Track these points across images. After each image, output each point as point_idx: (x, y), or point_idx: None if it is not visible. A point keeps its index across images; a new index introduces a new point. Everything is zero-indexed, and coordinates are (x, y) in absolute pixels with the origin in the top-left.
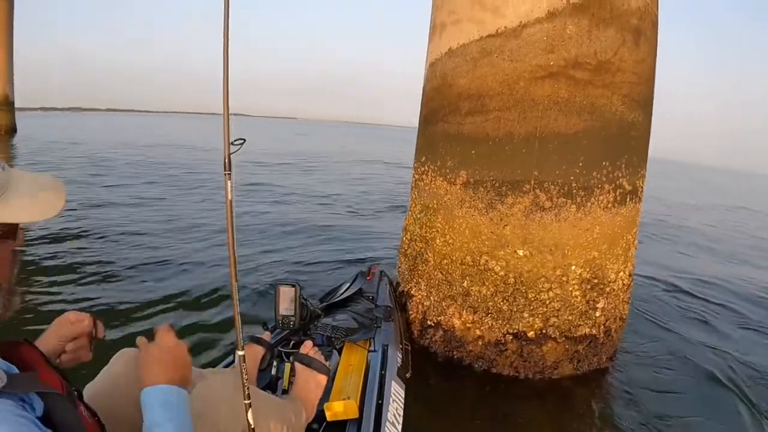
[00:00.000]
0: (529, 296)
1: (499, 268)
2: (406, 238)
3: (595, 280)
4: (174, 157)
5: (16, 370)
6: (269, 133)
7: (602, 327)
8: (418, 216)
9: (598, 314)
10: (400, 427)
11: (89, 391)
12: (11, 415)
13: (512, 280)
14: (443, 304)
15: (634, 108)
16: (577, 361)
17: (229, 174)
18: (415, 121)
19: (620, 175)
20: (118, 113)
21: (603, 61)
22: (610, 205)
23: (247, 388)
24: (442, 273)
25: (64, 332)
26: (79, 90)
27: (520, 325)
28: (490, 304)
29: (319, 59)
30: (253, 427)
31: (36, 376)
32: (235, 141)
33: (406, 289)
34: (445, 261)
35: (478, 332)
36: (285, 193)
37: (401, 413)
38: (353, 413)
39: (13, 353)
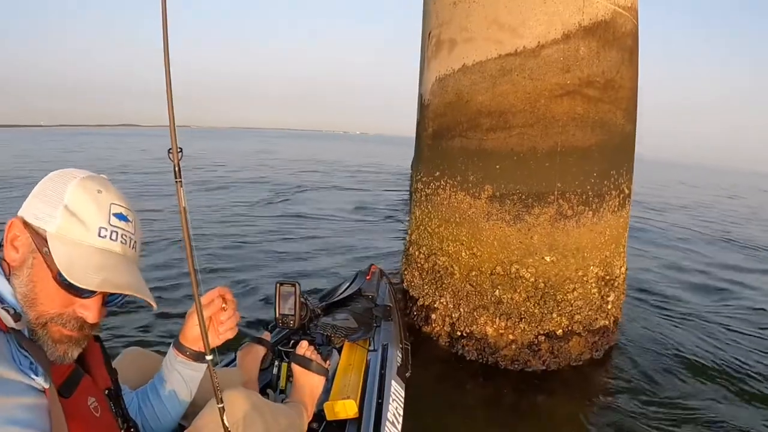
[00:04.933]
0: (558, 298)
1: (529, 274)
2: (420, 252)
3: (608, 277)
4: None
5: None
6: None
7: (612, 317)
8: (436, 230)
9: (609, 306)
10: (399, 427)
11: None
12: None
13: (542, 284)
14: (474, 314)
15: (630, 120)
16: (596, 350)
17: (181, 182)
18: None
19: (622, 181)
20: None
21: (609, 79)
22: (615, 209)
23: (220, 392)
24: (471, 285)
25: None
26: None
27: (550, 325)
28: (523, 309)
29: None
30: (229, 429)
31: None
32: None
33: (426, 303)
34: (473, 273)
35: (511, 337)
36: None
37: (401, 413)
38: (353, 413)
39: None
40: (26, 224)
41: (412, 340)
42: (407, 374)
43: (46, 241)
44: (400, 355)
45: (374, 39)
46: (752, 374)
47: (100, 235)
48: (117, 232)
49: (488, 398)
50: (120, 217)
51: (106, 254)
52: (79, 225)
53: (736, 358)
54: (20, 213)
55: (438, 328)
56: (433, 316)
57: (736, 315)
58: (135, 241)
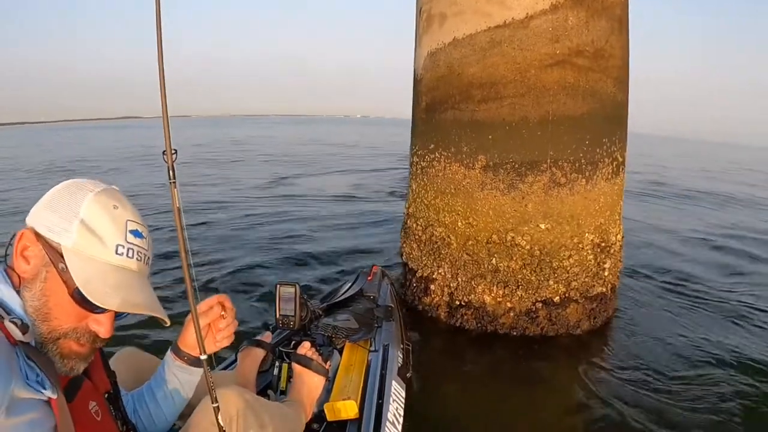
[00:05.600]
0: (554, 265)
1: (525, 242)
2: (418, 224)
3: (603, 244)
4: None
5: None
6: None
7: (609, 284)
8: (432, 202)
9: (606, 273)
10: (400, 427)
11: None
12: None
13: (537, 252)
14: (472, 283)
15: (621, 89)
16: (594, 317)
17: (175, 182)
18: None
19: (615, 149)
20: None
21: (599, 48)
22: (609, 176)
23: (215, 391)
24: (468, 254)
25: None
26: None
27: (547, 292)
28: (520, 276)
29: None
30: (224, 428)
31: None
32: (164, 152)
33: (425, 274)
34: (470, 242)
35: (509, 305)
36: None
37: (401, 413)
38: (353, 413)
39: None
40: (38, 236)
41: (412, 313)
42: (408, 375)
43: (62, 256)
44: (401, 356)
45: (375, 21)
46: (750, 344)
47: (117, 253)
48: (133, 250)
49: (488, 365)
50: (136, 234)
51: (122, 272)
52: (97, 241)
53: (736, 328)
54: (30, 223)
55: (437, 299)
56: (432, 286)
57: (738, 285)
58: (149, 258)
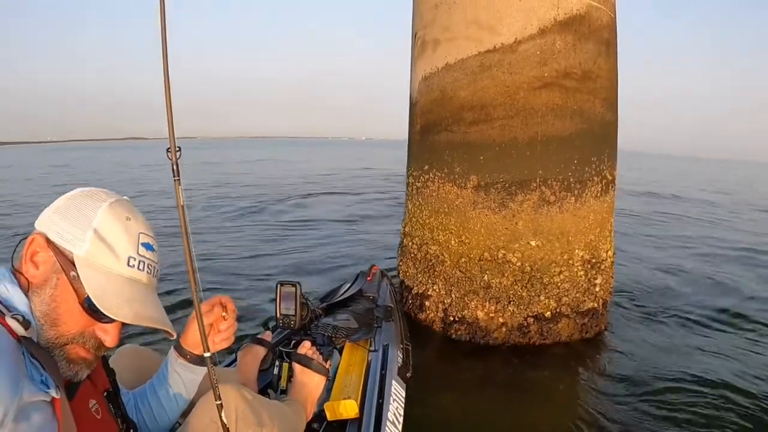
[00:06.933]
0: (544, 281)
1: (516, 259)
2: (413, 242)
3: (594, 260)
4: None
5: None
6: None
7: (601, 300)
8: (427, 221)
9: (597, 289)
10: (400, 427)
11: None
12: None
13: (528, 268)
14: (465, 299)
15: (609, 109)
16: (585, 332)
17: (179, 180)
18: None
19: (604, 167)
20: None
21: (586, 70)
22: (598, 194)
23: (218, 389)
24: (461, 271)
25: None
26: None
27: (538, 307)
28: (511, 292)
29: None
30: (227, 426)
31: (49, 357)
32: (169, 149)
33: (420, 291)
34: (463, 260)
35: (501, 320)
36: None
37: (402, 413)
38: (354, 413)
39: None
40: (49, 242)
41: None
42: (408, 374)
43: (74, 264)
44: (401, 356)
45: (378, 43)
46: (738, 364)
47: (129, 264)
48: (144, 262)
49: (483, 376)
50: (147, 246)
51: (133, 284)
52: (110, 253)
53: (725, 345)
54: (40, 228)
55: (432, 315)
56: (427, 303)
57: (728, 302)
58: (158, 271)
